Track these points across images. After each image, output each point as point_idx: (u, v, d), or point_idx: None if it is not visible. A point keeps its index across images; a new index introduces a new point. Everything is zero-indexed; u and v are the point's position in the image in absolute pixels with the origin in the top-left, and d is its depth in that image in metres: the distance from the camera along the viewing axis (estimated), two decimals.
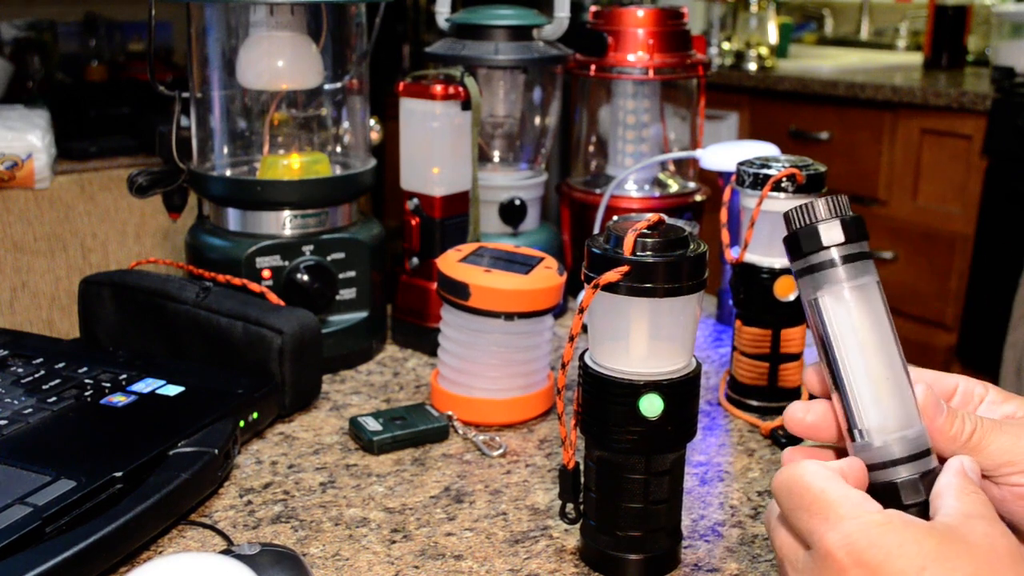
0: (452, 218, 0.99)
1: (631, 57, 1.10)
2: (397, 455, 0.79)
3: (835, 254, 0.51)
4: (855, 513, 0.47)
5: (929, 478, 0.50)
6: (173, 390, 0.79)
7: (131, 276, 0.90)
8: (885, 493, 0.50)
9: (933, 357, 2.36)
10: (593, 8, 1.15)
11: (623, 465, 0.61)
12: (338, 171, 1.02)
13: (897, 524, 0.46)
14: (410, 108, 0.98)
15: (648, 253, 0.58)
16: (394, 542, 0.67)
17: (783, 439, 0.81)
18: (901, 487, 0.50)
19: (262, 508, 0.71)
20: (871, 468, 0.51)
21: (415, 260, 1.00)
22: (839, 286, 0.51)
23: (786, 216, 0.53)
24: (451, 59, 1.03)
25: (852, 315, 0.51)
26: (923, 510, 0.49)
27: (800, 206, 0.52)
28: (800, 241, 0.52)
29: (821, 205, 0.52)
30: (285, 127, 1.03)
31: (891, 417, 0.51)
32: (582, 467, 0.65)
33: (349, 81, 1.04)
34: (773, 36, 2.92)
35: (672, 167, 1.20)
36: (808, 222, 0.52)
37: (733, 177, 0.86)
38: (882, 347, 0.51)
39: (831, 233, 0.51)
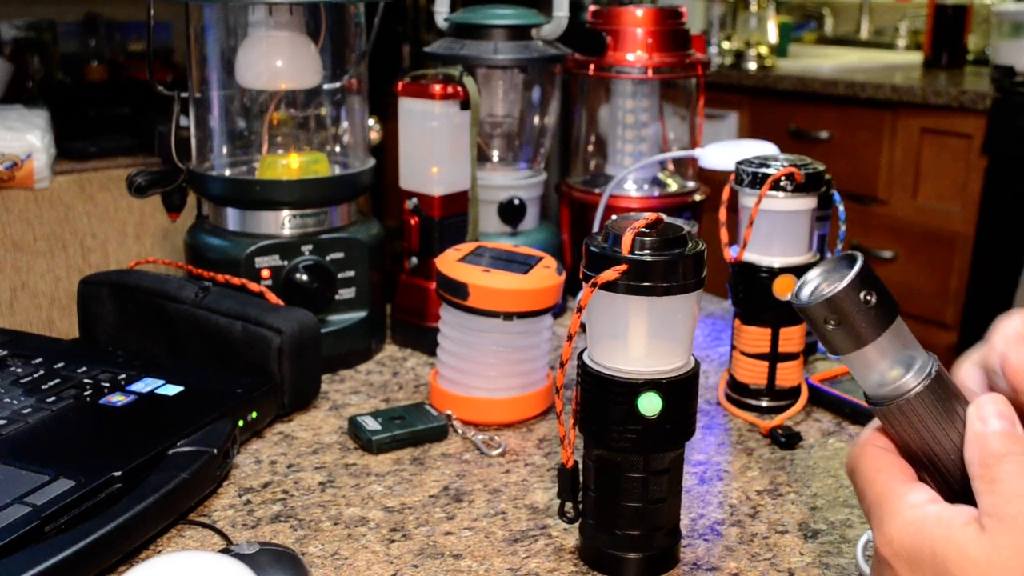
0: (451, 218, 0.99)
1: (630, 56, 1.10)
2: (396, 454, 0.79)
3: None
4: (896, 511, 0.47)
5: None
6: (172, 390, 0.79)
7: (130, 276, 0.90)
8: None
9: None
10: (592, 7, 1.15)
11: (622, 464, 0.61)
12: (337, 171, 1.02)
13: (931, 518, 0.46)
14: (409, 108, 0.98)
15: (646, 252, 0.58)
16: (393, 541, 0.67)
17: (782, 438, 0.81)
18: None
19: (261, 507, 0.71)
20: None
21: (414, 260, 1.00)
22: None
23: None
24: (450, 59, 1.03)
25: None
26: None
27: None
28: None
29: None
30: (284, 127, 1.03)
31: None
32: (581, 466, 0.65)
33: (348, 81, 1.04)
34: (773, 35, 2.92)
35: (671, 166, 1.20)
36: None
37: (732, 176, 0.86)
38: None
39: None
